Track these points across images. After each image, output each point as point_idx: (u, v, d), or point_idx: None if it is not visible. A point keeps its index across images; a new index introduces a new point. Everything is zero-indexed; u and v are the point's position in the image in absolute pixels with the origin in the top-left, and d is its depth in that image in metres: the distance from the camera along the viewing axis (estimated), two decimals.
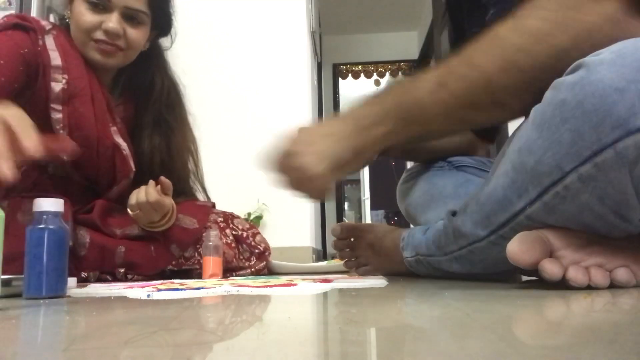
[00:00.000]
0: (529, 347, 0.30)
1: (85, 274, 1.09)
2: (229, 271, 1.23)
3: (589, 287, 0.54)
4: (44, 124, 1.05)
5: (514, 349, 0.28)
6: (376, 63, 5.42)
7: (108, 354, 0.30)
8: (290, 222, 2.46)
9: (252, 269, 1.29)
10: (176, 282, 0.90)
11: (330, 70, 5.24)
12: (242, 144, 2.45)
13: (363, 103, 0.72)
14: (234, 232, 1.30)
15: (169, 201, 1.12)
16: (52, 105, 1.08)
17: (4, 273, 0.58)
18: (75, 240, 1.08)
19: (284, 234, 2.38)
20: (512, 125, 0.71)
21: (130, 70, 1.24)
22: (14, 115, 0.66)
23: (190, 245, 1.20)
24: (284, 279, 0.96)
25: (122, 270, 1.12)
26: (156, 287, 0.76)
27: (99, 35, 1.12)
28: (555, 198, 0.55)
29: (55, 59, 1.09)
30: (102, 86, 1.17)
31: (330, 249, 2.51)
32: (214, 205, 1.34)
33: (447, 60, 0.65)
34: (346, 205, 6.96)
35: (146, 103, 1.25)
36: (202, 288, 0.72)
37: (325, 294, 0.64)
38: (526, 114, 0.60)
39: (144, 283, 0.92)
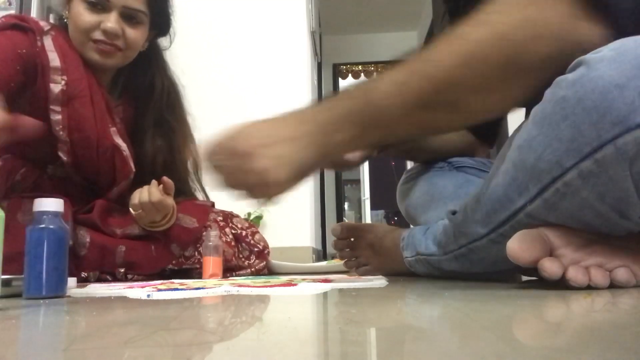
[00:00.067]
0: (529, 347, 0.30)
1: (85, 274, 1.09)
2: (228, 270, 1.23)
3: (589, 287, 0.54)
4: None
5: (514, 349, 0.28)
6: (376, 63, 5.40)
7: (108, 354, 0.30)
8: (290, 222, 2.45)
9: (252, 269, 1.29)
10: (176, 282, 0.90)
11: (330, 70, 5.23)
12: None
13: (323, 105, 0.67)
14: (233, 231, 1.30)
15: (170, 201, 1.12)
16: (51, 107, 1.08)
17: (4, 273, 0.58)
18: (75, 240, 1.08)
19: (284, 234, 2.38)
20: (512, 126, 0.70)
21: (129, 70, 1.24)
22: None
23: (190, 244, 1.21)
24: (284, 279, 0.96)
25: (122, 270, 1.12)
26: (156, 287, 0.76)
27: (98, 35, 1.12)
28: (555, 195, 0.55)
29: (54, 60, 1.09)
30: (101, 87, 1.17)
31: (330, 249, 2.50)
32: (213, 205, 1.34)
33: (405, 60, 0.62)
34: (346, 205, 6.96)
35: (146, 104, 1.25)
36: (202, 288, 0.72)
37: (325, 294, 0.64)
38: (489, 118, 0.59)
39: (144, 283, 0.92)
